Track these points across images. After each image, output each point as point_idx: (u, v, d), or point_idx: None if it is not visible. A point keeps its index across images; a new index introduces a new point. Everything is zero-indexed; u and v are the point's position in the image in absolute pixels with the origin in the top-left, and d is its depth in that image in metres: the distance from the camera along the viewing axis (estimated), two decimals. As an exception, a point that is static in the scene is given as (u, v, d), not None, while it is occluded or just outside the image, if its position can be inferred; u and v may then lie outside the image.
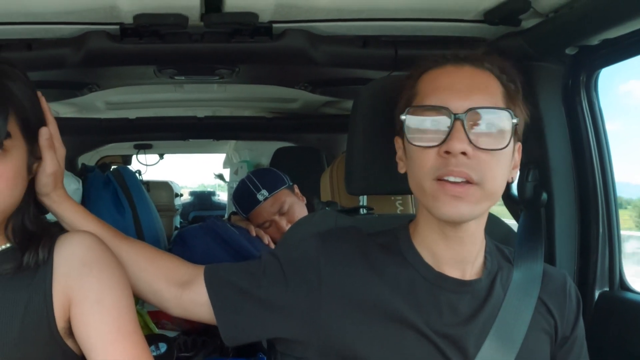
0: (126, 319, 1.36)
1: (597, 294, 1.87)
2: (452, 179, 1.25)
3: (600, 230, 1.87)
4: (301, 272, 1.45)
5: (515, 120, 1.28)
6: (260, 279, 1.48)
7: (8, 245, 1.41)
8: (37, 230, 1.43)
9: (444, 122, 1.27)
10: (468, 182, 1.25)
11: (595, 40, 1.68)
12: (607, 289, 1.89)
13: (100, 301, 1.34)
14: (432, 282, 1.39)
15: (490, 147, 1.25)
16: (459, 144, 1.23)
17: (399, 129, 1.39)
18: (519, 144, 1.38)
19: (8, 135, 1.30)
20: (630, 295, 1.87)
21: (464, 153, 1.24)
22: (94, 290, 1.35)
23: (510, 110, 1.28)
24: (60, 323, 1.34)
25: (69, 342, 1.37)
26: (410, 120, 1.34)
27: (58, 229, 1.49)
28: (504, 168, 1.30)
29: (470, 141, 1.24)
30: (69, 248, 1.40)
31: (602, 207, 1.87)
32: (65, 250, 1.39)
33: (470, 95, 1.27)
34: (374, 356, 1.37)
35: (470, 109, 1.25)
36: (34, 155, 1.41)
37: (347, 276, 1.42)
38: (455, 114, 1.25)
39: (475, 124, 1.26)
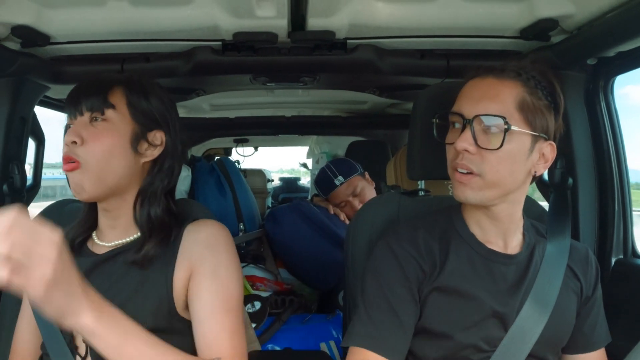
0: (233, 295, 1.36)
1: (613, 260, 1.91)
2: (460, 170, 1.37)
3: (616, 208, 1.91)
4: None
5: (507, 127, 1.31)
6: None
7: (138, 234, 1.43)
8: (165, 223, 1.42)
9: (458, 124, 1.39)
10: (471, 173, 1.35)
11: (611, 53, 1.71)
12: (621, 256, 1.92)
13: (214, 273, 1.35)
14: (485, 257, 1.45)
15: (487, 147, 1.32)
16: (461, 143, 1.33)
17: None
18: (549, 142, 1.39)
19: (111, 106, 1.34)
20: (641, 261, 1.91)
21: (467, 150, 1.34)
22: (212, 265, 1.36)
23: (503, 117, 1.31)
24: (178, 301, 1.36)
25: (185, 315, 1.37)
26: (437, 123, 1.48)
27: (189, 220, 1.47)
28: (508, 163, 1.34)
29: (475, 141, 1.33)
30: (194, 235, 1.40)
31: (618, 189, 1.91)
32: (190, 237, 1.40)
33: (480, 103, 1.34)
34: (444, 325, 1.41)
35: (476, 115, 1.33)
36: (146, 140, 1.40)
37: (421, 269, 1.44)
38: (466, 119, 1.34)
39: (480, 127, 1.33)
